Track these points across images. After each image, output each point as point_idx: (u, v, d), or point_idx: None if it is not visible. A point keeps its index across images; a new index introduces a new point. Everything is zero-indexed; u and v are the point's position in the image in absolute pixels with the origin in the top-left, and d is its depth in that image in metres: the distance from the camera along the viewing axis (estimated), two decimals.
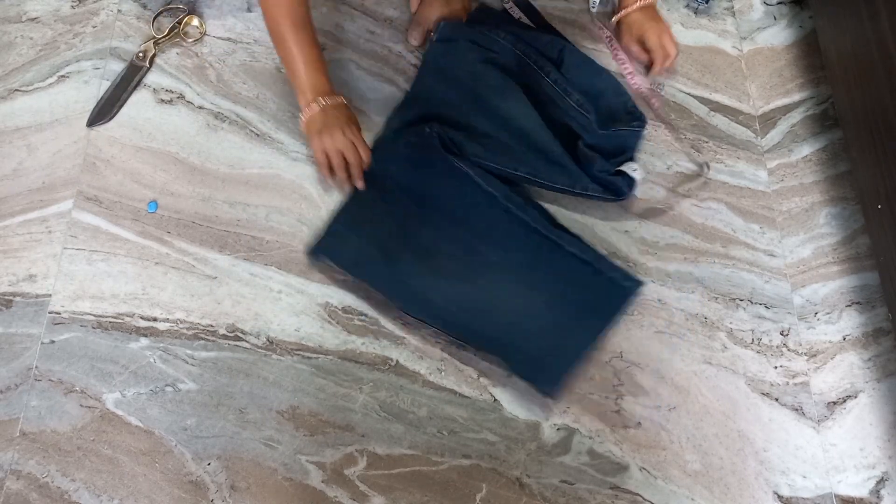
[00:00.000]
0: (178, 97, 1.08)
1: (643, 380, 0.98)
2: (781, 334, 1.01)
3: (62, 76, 1.08)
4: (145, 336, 0.96)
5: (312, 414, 0.94)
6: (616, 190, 1.01)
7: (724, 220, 1.06)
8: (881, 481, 0.95)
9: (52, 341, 0.96)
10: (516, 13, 1.11)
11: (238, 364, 0.96)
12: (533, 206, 1.02)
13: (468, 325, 0.96)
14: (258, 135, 1.06)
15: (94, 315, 0.97)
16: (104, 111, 1.06)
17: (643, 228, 1.05)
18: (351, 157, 0.97)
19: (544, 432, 0.95)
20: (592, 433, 0.95)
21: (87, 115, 1.05)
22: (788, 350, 1.01)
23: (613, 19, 1.10)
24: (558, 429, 0.95)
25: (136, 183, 1.03)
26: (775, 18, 1.19)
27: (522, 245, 0.99)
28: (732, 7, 1.19)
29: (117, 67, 1.08)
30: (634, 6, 1.07)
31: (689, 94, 1.13)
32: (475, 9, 1.11)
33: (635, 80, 1.11)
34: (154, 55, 1.09)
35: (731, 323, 1.01)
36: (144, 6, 1.12)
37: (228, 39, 1.11)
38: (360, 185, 0.99)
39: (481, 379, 0.97)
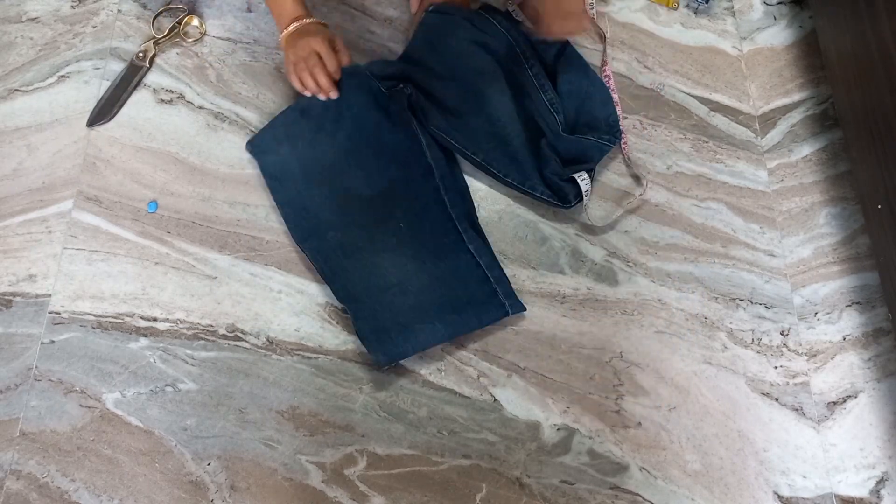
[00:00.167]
0: (178, 97, 1.08)
1: (643, 380, 0.98)
2: (781, 334, 1.01)
3: (62, 76, 1.08)
4: (145, 336, 0.96)
5: (312, 414, 0.94)
6: (563, 197, 1.00)
7: (724, 220, 1.06)
8: (881, 481, 0.95)
9: (52, 341, 0.96)
10: (519, 16, 1.11)
11: (238, 364, 0.96)
12: (462, 195, 1.03)
13: (343, 270, 0.97)
14: None
15: (94, 315, 0.97)
16: (104, 111, 1.06)
17: (643, 228, 1.05)
18: (317, 65, 0.96)
19: (544, 432, 0.95)
20: (592, 433, 0.95)
21: (87, 115, 1.05)
22: (788, 350, 1.01)
23: None
24: (558, 429, 0.95)
25: (136, 183, 1.03)
26: (775, 18, 1.19)
27: (432, 224, 0.99)
28: (732, 7, 1.19)
29: (117, 67, 1.08)
30: None
31: (689, 94, 1.13)
32: (479, 7, 1.11)
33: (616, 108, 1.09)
34: (154, 55, 1.09)
35: (731, 323, 1.01)
36: (144, 6, 1.12)
37: (228, 39, 1.11)
38: (332, 95, 0.98)
39: (481, 379, 0.97)
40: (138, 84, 1.08)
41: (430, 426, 0.94)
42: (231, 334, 0.97)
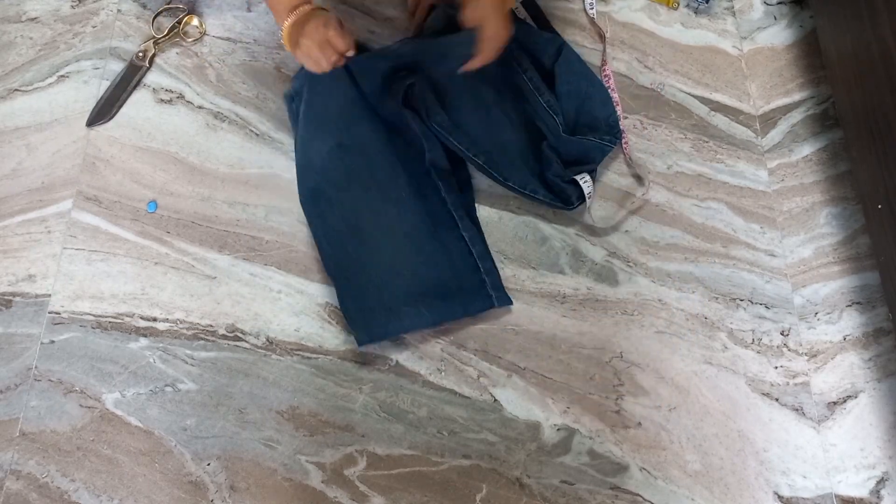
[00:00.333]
0: (178, 97, 1.08)
1: (643, 380, 0.98)
2: (782, 334, 1.01)
3: (62, 76, 1.08)
4: (145, 336, 0.96)
5: (312, 414, 0.94)
6: (565, 199, 1.01)
7: (724, 220, 1.06)
8: (881, 481, 0.95)
9: (52, 341, 0.95)
10: (522, 13, 1.11)
11: (238, 364, 0.96)
12: (462, 185, 1.03)
13: (340, 239, 0.97)
14: (258, 135, 1.06)
15: (94, 315, 0.97)
16: (104, 111, 1.06)
17: (643, 228, 1.05)
18: (327, 51, 0.92)
19: (544, 432, 0.95)
20: (592, 433, 0.95)
21: (86, 115, 1.05)
22: (789, 350, 1.00)
23: None
24: (558, 429, 0.95)
25: (136, 183, 1.03)
26: (775, 18, 1.19)
27: (430, 205, 1.00)
28: (732, 7, 1.19)
29: (117, 67, 1.08)
30: None
31: (689, 93, 1.13)
32: None
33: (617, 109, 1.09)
34: (154, 55, 1.09)
35: (731, 323, 1.01)
36: (144, 6, 1.12)
37: (228, 39, 1.11)
38: (350, 53, 0.95)
39: (481, 379, 0.97)
40: (138, 84, 1.08)
41: (430, 426, 0.94)
42: (231, 334, 0.97)
